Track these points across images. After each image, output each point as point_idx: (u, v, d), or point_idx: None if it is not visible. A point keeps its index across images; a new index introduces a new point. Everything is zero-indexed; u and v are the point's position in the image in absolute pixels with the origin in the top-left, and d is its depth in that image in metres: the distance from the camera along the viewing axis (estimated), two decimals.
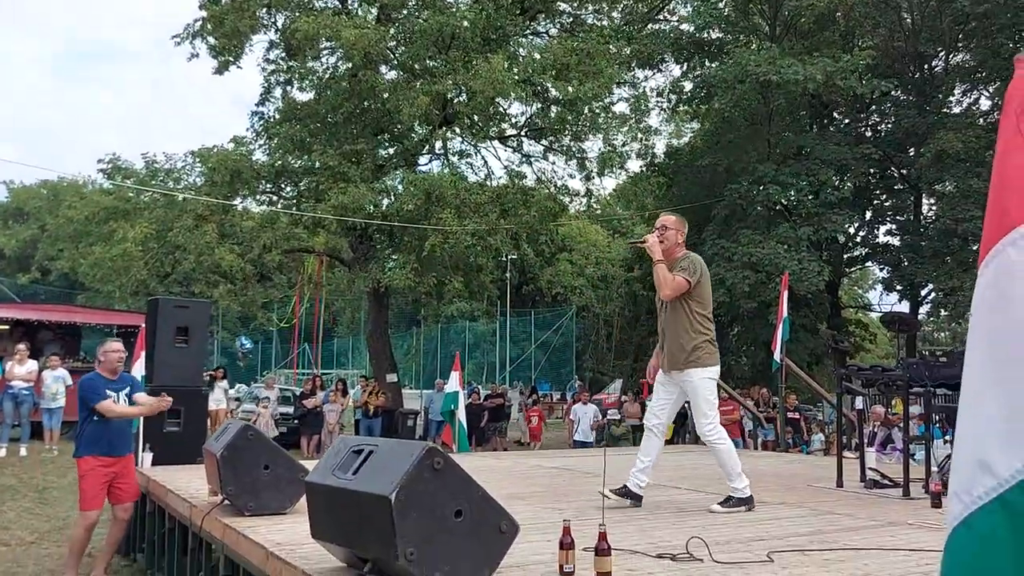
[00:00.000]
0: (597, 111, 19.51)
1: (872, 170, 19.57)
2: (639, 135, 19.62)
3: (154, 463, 7.41)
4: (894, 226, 20.33)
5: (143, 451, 7.56)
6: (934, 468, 5.73)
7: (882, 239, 20.69)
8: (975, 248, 16.42)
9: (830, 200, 17.83)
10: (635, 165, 23.65)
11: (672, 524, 4.54)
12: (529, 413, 18.33)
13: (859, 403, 6.32)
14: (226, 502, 4.95)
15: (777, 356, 10.68)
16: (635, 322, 45.20)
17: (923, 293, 18.84)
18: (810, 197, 17.78)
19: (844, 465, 6.40)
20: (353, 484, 3.20)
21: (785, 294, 10.98)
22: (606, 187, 24.38)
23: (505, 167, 23.52)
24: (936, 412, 6.15)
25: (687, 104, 22.26)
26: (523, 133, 22.42)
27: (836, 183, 18.02)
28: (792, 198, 18.15)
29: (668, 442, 17.46)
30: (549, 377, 38.30)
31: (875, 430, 8.49)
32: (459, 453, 9.65)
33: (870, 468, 6.27)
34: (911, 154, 20.07)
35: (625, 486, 5.19)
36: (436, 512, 3.04)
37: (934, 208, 19.98)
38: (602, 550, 3.23)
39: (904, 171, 20.85)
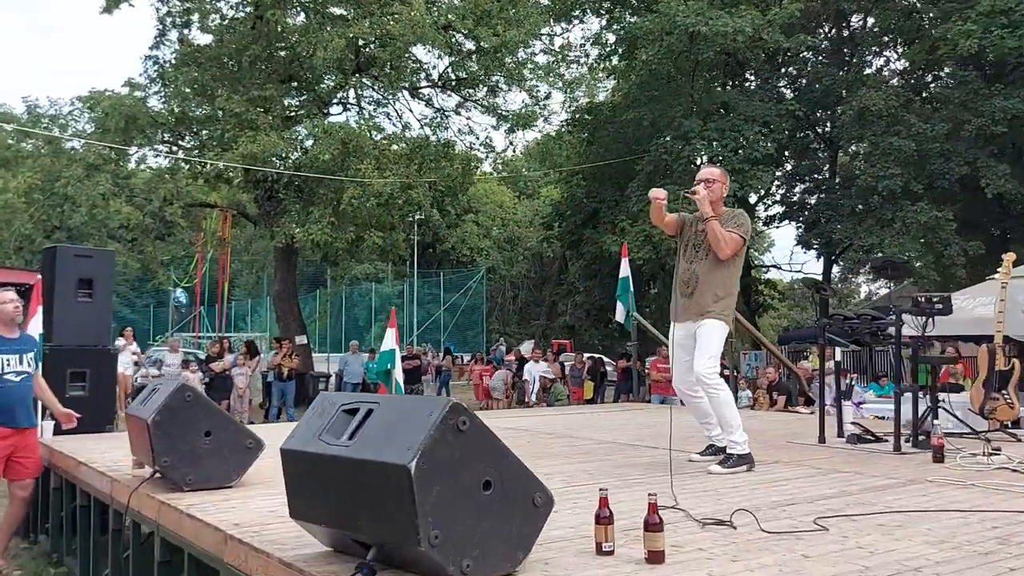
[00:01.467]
0: (521, 61, 18.85)
1: (793, 128, 19.60)
2: (563, 88, 19.08)
3: (55, 432, 6.50)
4: (811, 184, 20.48)
5: (42, 419, 6.63)
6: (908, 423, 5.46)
7: (797, 197, 20.84)
8: (895, 205, 16.65)
9: (754, 157, 17.75)
10: (555, 120, 23.16)
11: (680, 487, 4.03)
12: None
13: (839, 355, 5.99)
14: (158, 475, 4.21)
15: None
16: (541, 284, 45.15)
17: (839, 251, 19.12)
18: (738, 152, 17.63)
19: (805, 420, 6.10)
20: (352, 451, 2.56)
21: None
22: (516, 146, 23.59)
23: (419, 119, 22.60)
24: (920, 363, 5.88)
25: (607, 59, 21.80)
26: (440, 84, 21.54)
27: (760, 140, 17.92)
28: (717, 154, 17.97)
29: (589, 401, 17.33)
30: (455, 340, 37.81)
31: (851, 383, 8.29)
32: None
33: (851, 423, 5.98)
34: (830, 112, 20.21)
35: (711, 445, 5.00)
36: (462, 484, 2.44)
37: (856, 166, 20.22)
38: (653, 524, 2.69)
39: (821, 129, 21.03)
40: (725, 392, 4.72)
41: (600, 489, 2.83)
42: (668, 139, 18.03)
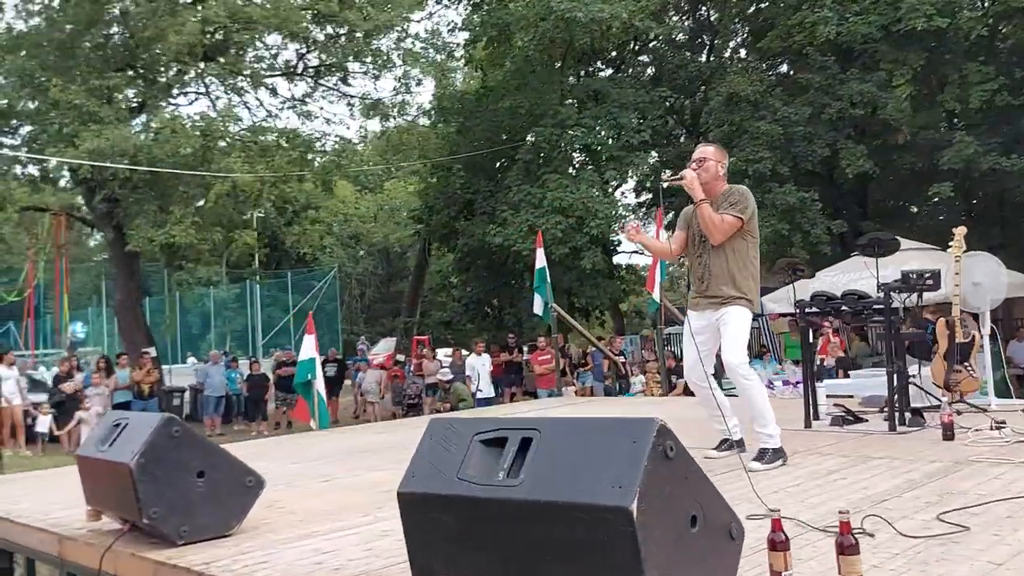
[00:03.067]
0: (390, 47, 18.16)
1: (664, 115, 19.96)
2: (434, 74, 18.52)
3: None
4: (677, 170, 20.86)
5: None
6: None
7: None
8: (765, 187, 17.23)
9: (631, 143, 17.89)
10: (417, 110, 22.53)
11: (728, 490, 3.71)
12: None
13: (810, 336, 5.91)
14: (130, 528, 3.47)
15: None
16: (389, 280, 44.22)
17: None
18: (618, 139, 17.70)
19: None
20: (525, 492, 2.06)
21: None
22: (387, 134, 22.65)
23: (278, 107, 21.36)
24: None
25: (473, 44, 21.38)
26: (298, 72, 20.44)
27: (636, 126, 18.09)
28: (595, 142, 18.00)
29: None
30: (300, 343, 36.07)
31: (823, 363, 8.32)
32: (321, 429, 8.28)
33: (835, 404, 5.92)
34: (692, 99, 20.71)
35: (725, 440, 4.70)
36: (674, 523, 2.00)
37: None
38: (849, 546, 2.35)
39: (685, 116, 21.55)
40: (758, 382, 4.49)
41: (771, 510, 2.46)
42: (546, 127, 17.87)
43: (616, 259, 22.82)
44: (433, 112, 21.98)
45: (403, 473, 4.95)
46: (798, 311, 5.76)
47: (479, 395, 12.82)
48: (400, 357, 23.13)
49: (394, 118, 20.54)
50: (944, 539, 2.79)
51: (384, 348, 25.83)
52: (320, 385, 8.32)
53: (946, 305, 6.56)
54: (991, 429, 4.88)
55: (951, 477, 3.82)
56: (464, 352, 19.73)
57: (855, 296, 5.50)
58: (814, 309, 5.66)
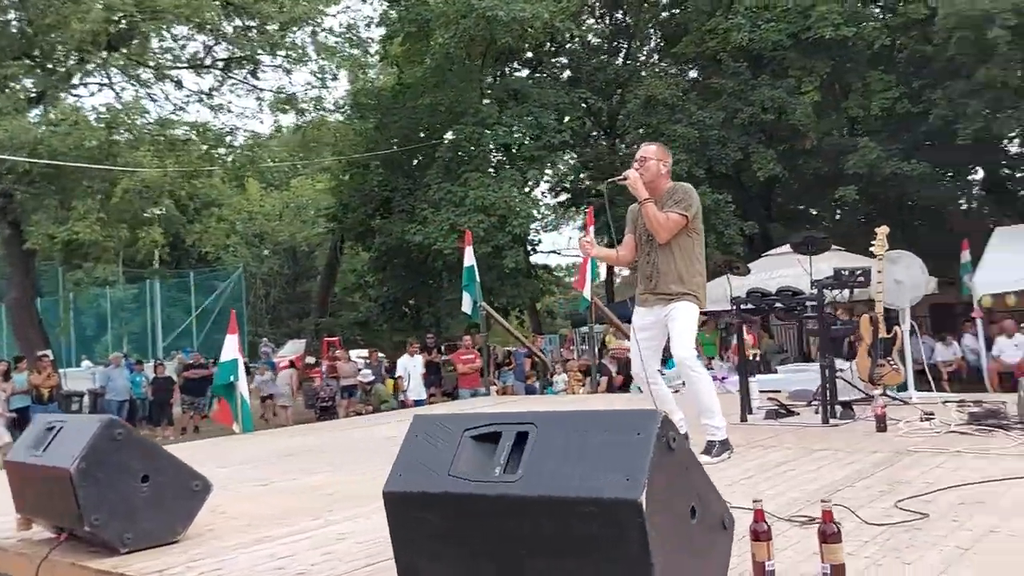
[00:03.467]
0: (307, 39, 17.74)
1: (583, 115, 20.18)
2: (350, 68, 18.19)
3: None
4: (595, 171, 21.15)
5: None
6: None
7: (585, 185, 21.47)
8: None
9: (552, 143, 18.01)
10: (339, 99, 22.11)
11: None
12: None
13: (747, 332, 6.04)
14: (68, 539, 3.26)
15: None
16: (295, 280, 43.33)
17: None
18: (539, 139, 17.77)
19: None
20: (526, 488, 2.01)
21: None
22: (307, 127, 22.11)
23: (183, 100, 20.61)
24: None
25: (389, 40, 21.14)
26: (210, 64, 19.81)
27: (556, 127, 18.22)
28: (516, 141, 18.04)
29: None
30: (204, 346, 34.94)
31: (756, 359, 8.48)
32: (245, 432, 7.98)
33: (768, 398, 6.06)
34: (609, 101, 20.99)
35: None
36: (676, 514, 1.99)
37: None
38: (832, 534, 2.37)
39: (602, 118, 21.82)
40: (706, 377, 4.54)
41: (754, 501, 2.47)
42: (466, 125, 17.80)
43: (533, 259, 22.95)
44: (349, 108, 21.61)
45: (342, 476, 4.83)
46: (734, 307, 5.86)
47: (411, 396, 12.50)
48: (310, 359, 22.67)
49: (309, 113, 20.11)
50: (907, 526, 2.86)
51: (291, 350, 25.22)
52: (243, 387, 8.04)
53: (860, 303, 6.81)
54: (921, 420, 5.07)
55: (896, 467, 3.94)
56: (380, 354, 19.47)
57: (790, 293, 5.63)
58: (750, 306, 5.78)
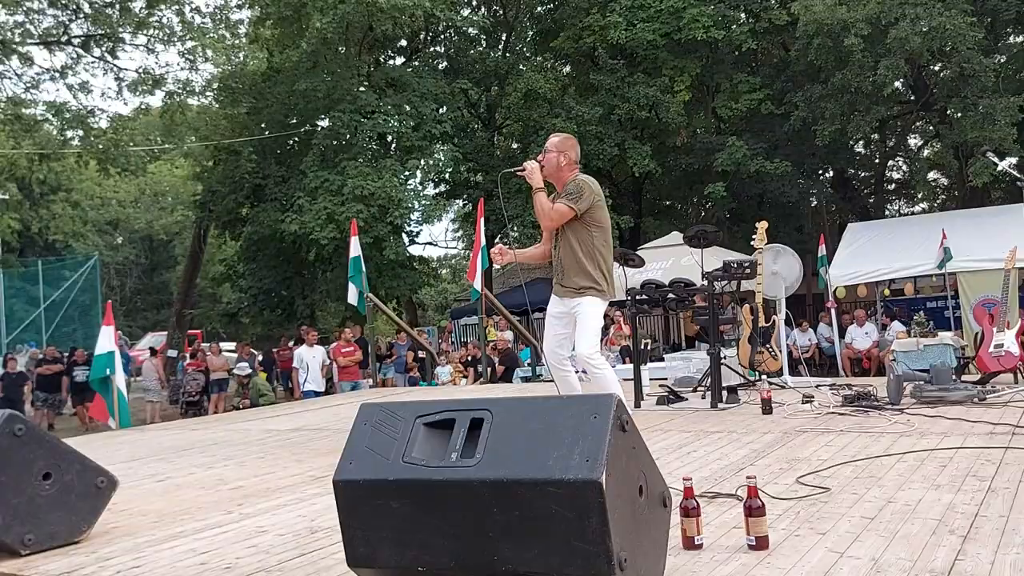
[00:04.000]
0: (174, 18, 16.91)
1: (463, 107, 20.18)
2: (219, 51, 17.48)
3: None
4: (474, 163, 21.22)
5: None
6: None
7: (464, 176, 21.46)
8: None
9: (432, 134, 17.93)
10: (210, 82, 21.20)
11: None
12: None
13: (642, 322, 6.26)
14: None
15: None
16: (151, 271, 41.41)
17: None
18: (418, 129, 17.64)
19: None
20: (485, 471, 2.06)
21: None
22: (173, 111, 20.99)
23: (33, 78, 19.23)
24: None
25: (261, 23, 20.44)
26: (65, 40, 18.61)
27: (437, 117, 18.14)
28: (395, 130, 17.85)
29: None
30: (54, 339, 32.88)
31: (647, 347, 8.69)
32: (122, 428, 7.58)
33: (660, 384, 6.30)
34: (487, 91, 21.10)
35: None
36: (629, 494, 2.08)
37: (517, 145, 21.38)
38: (757, 508, 2.53)
39: (480, 110, 21.92)
40: (608, 371, 4.62)
41: (684, 479, 2.60)
42: (344, 112, 17.46)
43: (411, 250, 22.77)
44: (218, 92, 20.76)
45: (246, 471, 4.71)
46: (629, 298, 6.06)
47: (308, 388, 12.05)
48: (172, 352, 21.74)
49: (177, 96, 19.22)
50: (813, 499, 3.08)
51: (150, 343, 24.10)
52: (120, 381, 7.64)
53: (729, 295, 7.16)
54: (802, 403, 5.42)
55: (789, 446, 4.20)
56: (250, 349, 18.91)
57: (682, 284, 5.88)
58: (644, 296, 5.99)
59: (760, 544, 2.51)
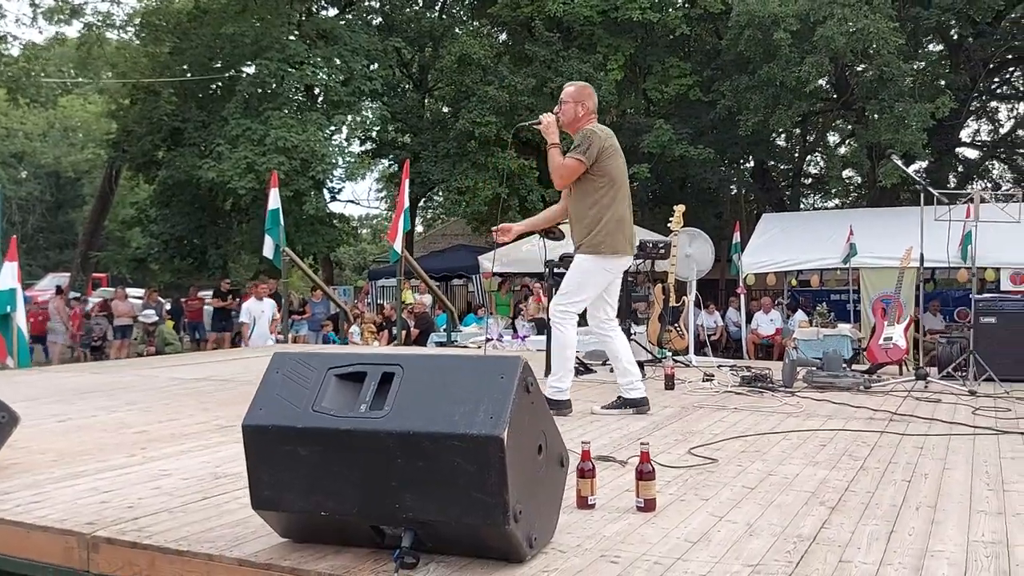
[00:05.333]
0: None
1: (395, 65, 19.93)
2: None
3: None
4: (403, 123, 21.01)
5: None
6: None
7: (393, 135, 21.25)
8: (488, 151, 17.95)
9: (362, 90, 17.68)
10: (132, 16, 20.36)
11: None
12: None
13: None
14: None
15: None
16: (56, 209, 39.74)
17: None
18: (347, 84, 17.36)
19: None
20: (393, 423, 2.15)
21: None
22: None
23: None
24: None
25: None
26: None
27: (367, 73, 17.88)
28: (323, 83, 17.53)
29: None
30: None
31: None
32: (20, 368, 7.35)
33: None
34: (420, 52, 20.89)
35: (619, 396, 4.61)
36: (528, 451, 2.23)
37: (442, 110, 21.26)
38: (647, 473, 2.69)
39: (415, 70, 21.69)
40: (565, 333, 4.39)
41: (583, 443, 2.74)
42: (271, 61, 17.05)
43: (332, 207, 22.49)
44: (141, 27, 19.98)
45: (152, 416, 4.69)
46: (547, 271, 6.18)
47: (257, 343, 11.69)
48: (75, 294, 21.02)
49: (96, 28, 18.42)
50: (701, 469, 3.27)
51: (49, 284, 23.25)
52: (21, 318, 7.41)
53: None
54: (703, 381, 5.66)
55: (686, 420, 4.41)
56: (158, 296, 18.39)
57: None
58: (562, 269, 6.11)
59: (648, 506, 2.67)
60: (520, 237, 5.39)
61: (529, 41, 18.74)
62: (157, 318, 14.37)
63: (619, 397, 4.57)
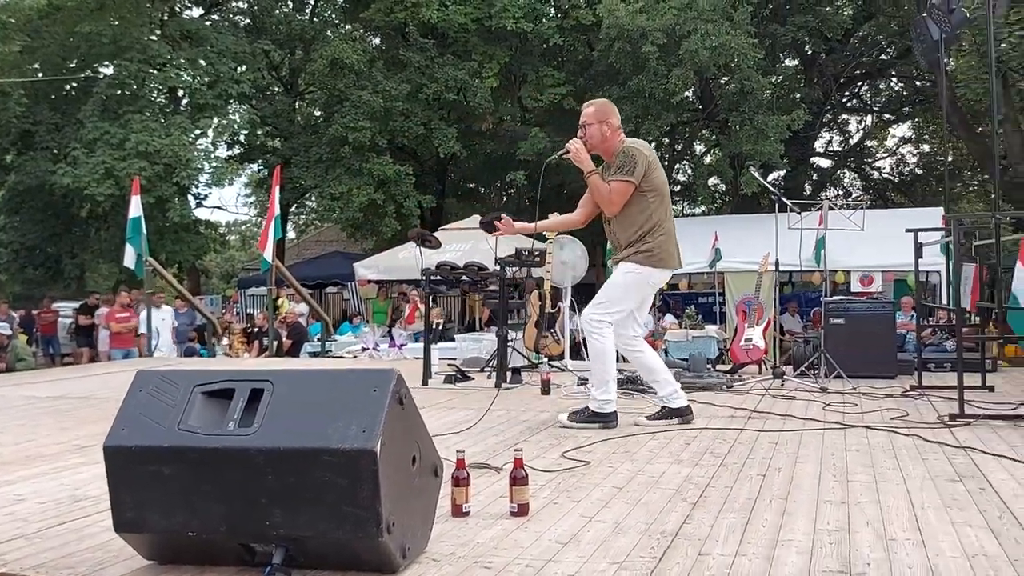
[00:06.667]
0: None
1: (265, 69, 19.42)
2: None
3: None
4: (272, 127, 20.51)
5: None
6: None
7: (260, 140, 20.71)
8: (363, 157, 17.74)
9: (229, 93, 17.14)
10: None
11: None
12: None
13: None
14: None
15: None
16: None
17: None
18: (214, 87, 16.79)
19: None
20: (263, 440, 2.13)
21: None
22: None
23: None
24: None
25: None
26: None
27: (235, 76, 17.36)
28: (187, 85, 16.91)
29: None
30: None
31: (438, 327, 8.75)
32: None
33: (449, 364, 6.49)
34: (290, 54, 20.49)
35: (663, 407, 4.43)
36: (402, 462, 2.26)
37: (314, 114, 20.90)
38: (521, 478, 2.75)
39: (285, 73, 21.22)
40: (602, 343, 4.22)
41: (457, 452, 2.77)
42: (132, 62, 16.30)
43: (198, 213, 21.68)
44: None
45: (1, 438, 4.44)
46: (423, 279, 6.20)
47: (160, 356, 10.96)
48: None
49: None
50: (573, 472, 3.36)
51: None
52: None
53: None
54: (577, 385, 5.81)
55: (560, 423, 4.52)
56: (8, 308, 17.25)
57: (476, 267, 6.09)
58: (439, 277, 6.15)
59: (521, 511, 2.73)
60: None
61: (403, 46, 18.67)
62: (10, 332, 13.47)
63: (663, 407, 4.42)
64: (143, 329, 11.53)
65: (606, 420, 4.22)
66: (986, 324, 7.41)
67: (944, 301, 11.86)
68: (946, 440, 3.89)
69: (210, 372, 2.28)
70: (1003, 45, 14.60)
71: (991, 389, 5.50)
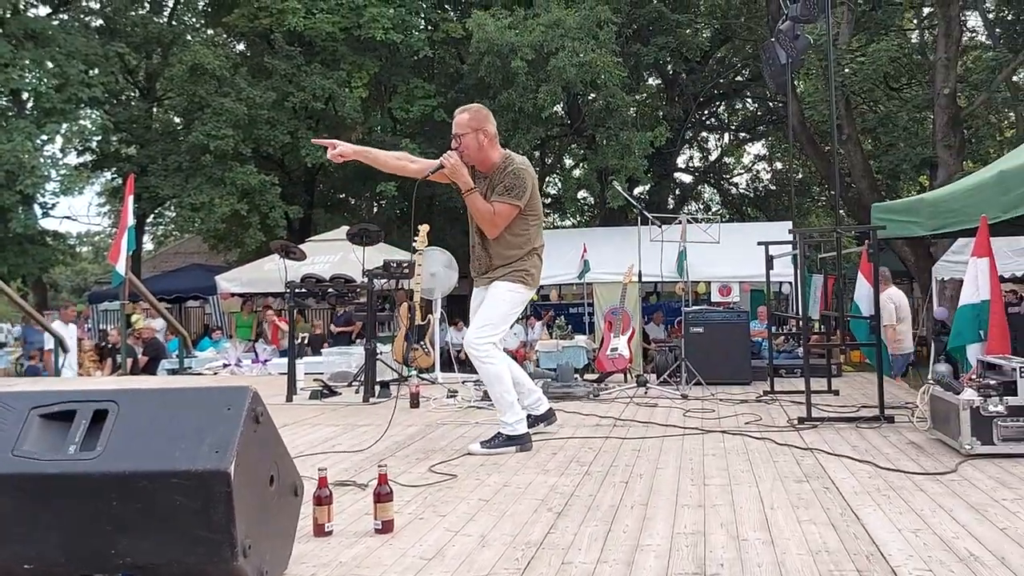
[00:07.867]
0: None
1: (117, 72, 18.41)
2: None
3: None
4: (127, 134, 19.50)
5: None
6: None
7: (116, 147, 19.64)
8: (225, 166, 17.15)
9: (79, 97, 16.18)
10: None
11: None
12: None
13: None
14: None
15: (120, 268, 9.56)
16: None
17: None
18: (62, 91, 15.80)
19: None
20: (107, 464, 2.02)
21: (130, 198, 9.87)
22: None
23: None
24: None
25: None
26: None
27: (85, 80, 16.41)
28: (31, 88, 15.87)
29: None
30: None
31: (304, 342, 8.45)
32: None
33: (315, 379, 6.33)
34: (147, 58, 19.60)
35: (529, 415, 4.26)
36: (258, 482, 2.19)
37: (174, 121, 20.04)
38: (385, 495, 2.72)
39: (141, 77, 20.26)
40: (495, 365, 4.04)
41: (319, 469, 2.71)
42: None
43: (45, 223, 20.36)
44: None
45: None
46: (289, 291, 6.03)
47: (68, 375, 9.94)
48: None
49: None
50: (440, 486, 3.34)
51: None
52: None
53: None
54: (447, 397, 5.79)
55: (428, 437, 4.49)
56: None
57: (343, 280, 5.98)
58: (304, 290, 6.00)
59: (386, 528, 2.69)
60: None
61: (269, 53, 18.19)
62: None
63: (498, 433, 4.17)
64: (48, 346, 10.69)
65: (521, 442, 4.04)
66: (833, 332, 7.89)
67: (795, 310, 12.56)
68: (795, 443, 4.10)
69: (48, 393, 2.14)
70: (846, 70, 15.66)
71: (836, 393, 5.85)
